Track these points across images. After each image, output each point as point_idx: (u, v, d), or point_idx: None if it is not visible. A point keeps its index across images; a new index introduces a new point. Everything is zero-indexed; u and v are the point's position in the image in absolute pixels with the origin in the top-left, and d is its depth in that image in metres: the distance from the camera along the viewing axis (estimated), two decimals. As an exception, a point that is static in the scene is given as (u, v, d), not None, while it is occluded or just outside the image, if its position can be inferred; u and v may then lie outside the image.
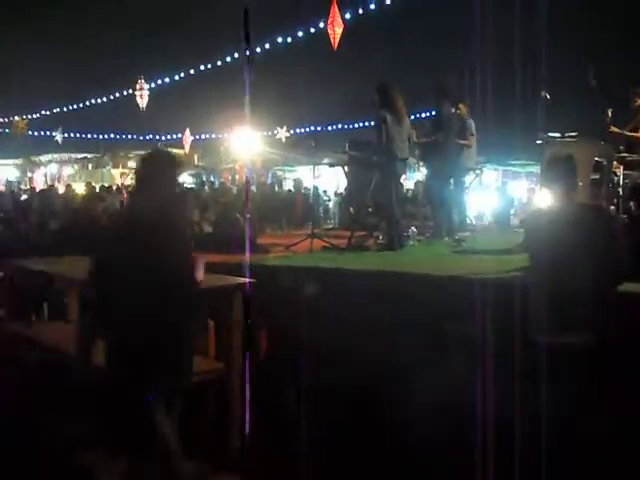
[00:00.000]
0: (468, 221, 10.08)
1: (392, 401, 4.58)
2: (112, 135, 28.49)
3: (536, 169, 22.04)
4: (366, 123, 23.50)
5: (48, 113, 27.19)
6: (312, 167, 24.74)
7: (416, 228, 7.92)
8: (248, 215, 8.29)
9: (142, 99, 23.12)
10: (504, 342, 3.80)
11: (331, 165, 9.51)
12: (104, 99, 25.35)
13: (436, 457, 3.93)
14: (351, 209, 10.68)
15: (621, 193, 6.23)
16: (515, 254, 6.23)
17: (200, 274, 4.01)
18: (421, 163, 10.28)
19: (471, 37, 8.13)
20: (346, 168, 8.31)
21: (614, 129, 7.61)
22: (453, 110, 8.12)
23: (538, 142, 6.79)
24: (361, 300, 5.07)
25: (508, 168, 23.21)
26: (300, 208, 14.07)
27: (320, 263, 5.95)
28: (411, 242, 7.53)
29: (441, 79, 8.50)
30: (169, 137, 27.39)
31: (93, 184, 18.23)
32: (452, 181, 8.21)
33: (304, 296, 5.20)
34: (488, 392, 3.85)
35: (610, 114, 7.46)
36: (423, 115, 11.07)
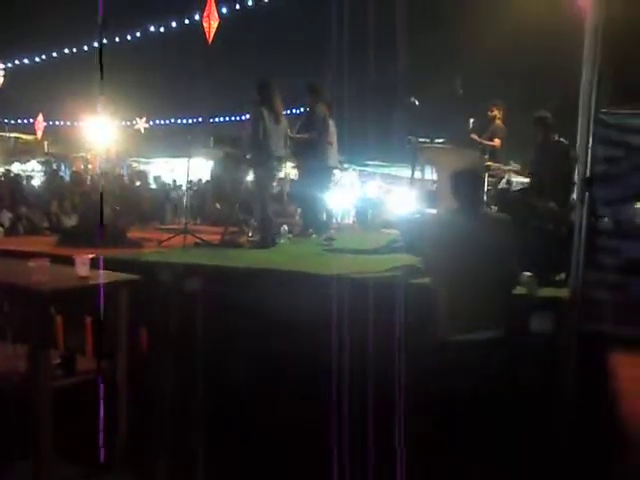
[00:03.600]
0: (333, 220, 10.31)
1: (268, 394, 4.65)
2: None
3: (390, 170, 22.93)
4: (227, 118, 23.49)
5: None
6: (166, 160, 24.16)
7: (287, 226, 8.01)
8: (117, 207, 8.08)
9: (-3, 79, 21.72)
10: (391, 339, 3.98)
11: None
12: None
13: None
14: (217, 205, 10.59)
15: (485, 199, 6.64)
16: (385, 253, 6.59)
17: (85, 270, 3.88)
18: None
19: (340, 38, 8.32)
20: (212, 163, 8.23)
21: (473, 137, 8.11)
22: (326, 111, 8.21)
23: (407, 145, 7.05)
24: (241, 298, 5.08)
25: (363, 169, 23.89)
26: (147, 203, 12.81)
27: (197, 260, 5.87)
28: (282, 240, 7.61)
29: (313, 80, 8.52)
30: (19, 121, 25.77)
31: None
32: (321, 180, 8.33)
33: (183, 293, 5.12)
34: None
35: (471, 123, 7.93)
36: (296, 111, 11.12)
